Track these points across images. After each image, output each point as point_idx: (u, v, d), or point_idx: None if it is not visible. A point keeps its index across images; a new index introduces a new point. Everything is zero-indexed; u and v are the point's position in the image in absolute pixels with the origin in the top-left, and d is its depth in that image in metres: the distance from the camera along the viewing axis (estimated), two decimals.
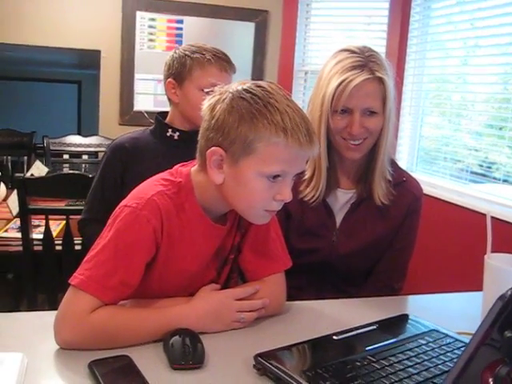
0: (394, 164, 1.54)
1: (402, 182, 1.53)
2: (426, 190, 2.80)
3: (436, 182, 2.97)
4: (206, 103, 1.07)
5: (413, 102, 3.23)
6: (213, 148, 1.03)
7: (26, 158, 3.35)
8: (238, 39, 3.66)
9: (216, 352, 1.00)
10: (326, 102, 1.38)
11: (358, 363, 0.95)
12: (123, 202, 1.08)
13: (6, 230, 2.22)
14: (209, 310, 1.08)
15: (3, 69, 5.03)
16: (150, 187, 1.11)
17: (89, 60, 3.66)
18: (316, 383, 0.87)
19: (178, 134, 1.68)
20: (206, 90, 1.60)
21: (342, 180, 1.53)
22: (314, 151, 1.06)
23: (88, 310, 0.98)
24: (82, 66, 4.58)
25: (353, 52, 1.40)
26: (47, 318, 1.00)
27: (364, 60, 1.38)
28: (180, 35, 3.50)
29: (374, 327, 1.12)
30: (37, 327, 1.05)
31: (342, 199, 1.53)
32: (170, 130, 1.68)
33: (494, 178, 2.72)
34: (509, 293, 0.59)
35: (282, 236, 1.30)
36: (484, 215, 1.24)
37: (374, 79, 1.37)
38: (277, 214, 1.52)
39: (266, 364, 0.93)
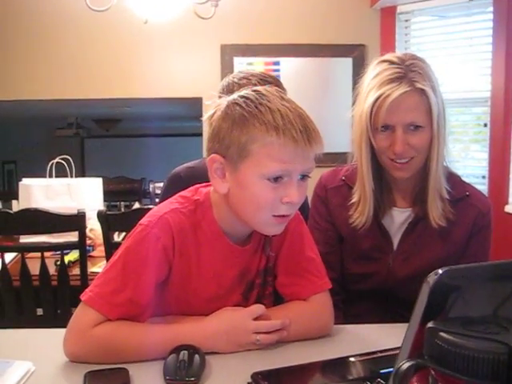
0: (454, 178, 1.40)
1: (465, 198, 1.38)
2: None
3: None
4: (206, 115, 1.07)
5: None
6: (211, 156, 1.03)
7: (137, 202, 3.58)
8: (336, 75, 3.63)
9: (218, 368, 0.96)
10: (364, 119, 1.30)
11: None
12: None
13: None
14: (220, 329, 1.03)
15: (124, 127, 5.48)
16: (166, 205, 1.11)
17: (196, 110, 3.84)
18: None
19: None
20: None
21: (398, 199, 1.42)
22: (316, 149, 1.01)
23: (92, 325, 0.99)
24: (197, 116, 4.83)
25: (392, 62, 1.31)
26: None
27: (403, 70, 1.28)
28: (277, 76, 3.55)
29: None
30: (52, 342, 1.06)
31: (399, 219, 1.41)
32: None
33: None
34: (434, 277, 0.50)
35: (320, 256, 1.22)
36: None
37: (415, 91, 1.26)
38: (328, 237, 1.46)
39: (261, 382, 0.87)
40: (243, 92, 1.03)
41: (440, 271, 0.49)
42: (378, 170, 1.38)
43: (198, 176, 1.67)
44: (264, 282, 1.18)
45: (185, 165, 1.73)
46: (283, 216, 1.03)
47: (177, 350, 0.95)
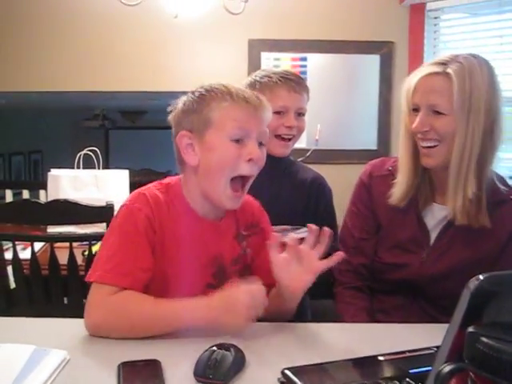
0: (498, 180, 1.38)
1: (509, 201, 1.36)
2: None
3: None
4: (170, 116, 1.23)
5: None
6: (180, 133, 1.17)
7: None
8: (363, 72, 3.60)
9: (248, 368, 0.97)
10: (403, 102, 1.35)
11: None
12: None
13: None
14: (221, 304, 1.06)
15: (150, 119, 5.46)
16: (142, 188, 1.22)
17: None
18: None
19: None
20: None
21: (438, 194, 1.42)
22: (268, 110, 1.20)
23: (110, 295, 1.07)
24: None
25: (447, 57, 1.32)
26: None
27: (447, 59, 1.28)
28: (304, 72, 3.55)
29: (432, 351, 1.00)
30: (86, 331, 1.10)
31: (439, 215, 1.41)
32: None
33: None
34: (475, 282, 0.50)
35: None
36: None
37: (443, 74, 1.26)
38: (366, 224, 1.47)
39: (291, 378, 0.88)
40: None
41: (481, 277, 0.50)
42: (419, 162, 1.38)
43: None
44: (242, 271, 1.25)
45: None
46: (237, 191, 1.17)
47: (213, 347, 0.95)
